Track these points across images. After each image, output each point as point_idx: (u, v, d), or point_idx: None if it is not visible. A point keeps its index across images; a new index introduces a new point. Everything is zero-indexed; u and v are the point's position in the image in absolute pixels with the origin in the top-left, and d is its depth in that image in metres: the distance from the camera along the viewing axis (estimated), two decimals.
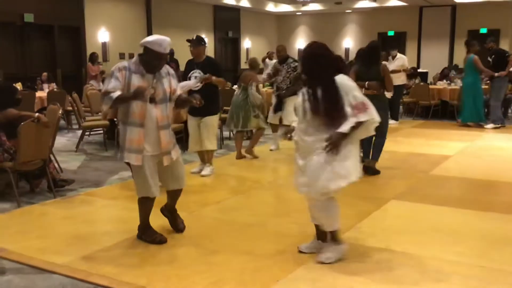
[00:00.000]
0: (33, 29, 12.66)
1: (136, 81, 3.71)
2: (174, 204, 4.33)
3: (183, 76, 6.32)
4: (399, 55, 11.34)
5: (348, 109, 3.35)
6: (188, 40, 6.16)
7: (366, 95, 5.83)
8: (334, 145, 3.35)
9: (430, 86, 12.35)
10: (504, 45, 17.36)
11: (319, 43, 3.61)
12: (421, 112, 12.30)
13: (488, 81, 11.69)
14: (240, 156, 7.39)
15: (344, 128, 3.34)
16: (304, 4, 19.93)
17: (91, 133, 9.14)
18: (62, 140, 8.97)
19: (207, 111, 6.00)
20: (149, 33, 15.74)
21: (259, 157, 7.47)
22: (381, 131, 6.14)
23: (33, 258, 3.82)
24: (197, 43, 6.09)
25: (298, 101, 3.56)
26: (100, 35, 14.27)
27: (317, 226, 3.79)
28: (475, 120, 10.55)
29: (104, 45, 14.36)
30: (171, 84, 3.90)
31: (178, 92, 4.01)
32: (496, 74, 10.29)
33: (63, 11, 13.04)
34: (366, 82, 5.97)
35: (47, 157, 5.49)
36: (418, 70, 15.31)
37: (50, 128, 5.43)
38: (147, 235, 4.12)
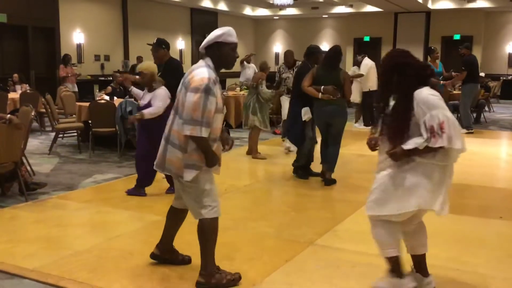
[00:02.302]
0: (6, 29, 12.42)
1: (219, 92, 3.19)
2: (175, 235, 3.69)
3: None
4: (366, 60, 11.16)
5: (423, 131, 2.85)
6: (149, 44, 5.99)
7: (322, 99, 5.90)
8: (394, 155, 2.94)
9: None
10: (476, 51, 17.69)
11: (402, 51, 3.09)
12: None
13: (460, 87, 11.93)
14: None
15: (408, 145, 2.88)
16: (281, 8, 20.02)
17: (65, 135, 8.99)
18: (35, 143, 8.81)
19: None
20: (125, 35, 15.60)
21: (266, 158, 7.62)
22: (336, 139, 6.05)
23: (3, 263, 3.72)
24: (157, 46, 5.88)
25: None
26: (75, 36, 14.07)
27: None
28: None
29: (79, 46, 14.16)
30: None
31: None
32: (441, 82, 10.53)
33: (37, 12, 12.82)
34: (322, 87, 5.78)
35: (19, 160, 5.37)
36: None
37: (22, 130, 5.32)
38: (219, 279, 3.32)
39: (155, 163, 3.39)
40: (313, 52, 6.43)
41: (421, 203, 2.92)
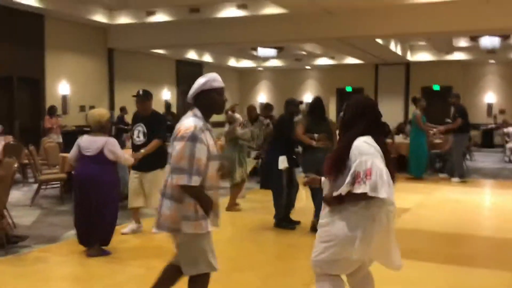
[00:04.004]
0: None
1: (211, 139, 3.18)
2: None
3: (130, 129, 6.24)
4: None
5: (348, 176, 2.83)
6: (134, 96, 6.02)
7: (314, 147, 6.03)
8: (326, 201, 3.00)
9: (388, 140, 12.70)
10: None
11: (368, 98, 3.21)
12: None
13: (441, 137, 12.14)
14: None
15: (336, 192, 2.88)
16: (265, 60, 20.47)
17: (47, 186, 8.89)
18: (17, 194, 8.68)
19: (151, 166, 5.80)
20: (111, 86, 15.74)
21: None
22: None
23: None
24: (144, 98, 5.96)
25: None
26: (61, 87, 14.15)
27: None
28: (417, 174, 10.79)
29: (64, 97, 14.22)
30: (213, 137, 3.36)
31: None
32: (433, 131, 10.74)
33: (23, 63, 12.91)
34: (315, 135, 6.02)
35: (0, 212, 5.28)
36: None
37: (5, 182, 5.26)
38: None
39: (155, 224, 3.24)
40: (288, 104, 6.64)
41: (350, 252, 2.86)
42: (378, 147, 2.88)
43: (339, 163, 2.90)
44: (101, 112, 5.43)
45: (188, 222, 3.09)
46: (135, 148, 5.95)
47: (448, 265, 4.96)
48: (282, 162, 6.22)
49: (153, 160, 5.79)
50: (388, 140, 11.93)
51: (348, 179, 2.79)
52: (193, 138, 3.04)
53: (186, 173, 3.01)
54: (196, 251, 3.15)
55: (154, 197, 5.84)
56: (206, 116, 3.22)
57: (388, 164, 2.89)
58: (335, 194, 2.88)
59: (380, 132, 3.04)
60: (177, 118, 11.30)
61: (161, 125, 6.08)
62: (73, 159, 5.28)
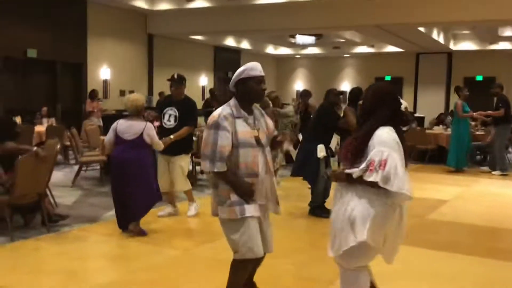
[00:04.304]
0: (36, 64, 12.81)
1: (241, 127, 3.21)
2: (253, 275, 3.55)
3: (158, 111, 6.21)
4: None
5: (363, 162, 2.82)
6: (169, 79, 6.05)
7: None
8: (335, 175, 2.99)
9: (427, 131, 12.47)
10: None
11: (388, 85, 3.12)
12: (417, 156, 12.35)
13: (483, 128, 11.82)
14: None
15: (352, 170, 2.84)
16: (303, 47, 20.31)
17: (88, 168, 9.12)
18: (59, 175, 8.94)
19: (177, 150, 5.86)
20: (150, 71, 15.95)
21: None
22: None
23: None
24: (179, 82, 5.99)
25: None
26: (102, 72, 14.44)
27: None
28: (456, 166, 10.53)
29: (105, 82, 14.51)
30: (268, 125, 3.44)
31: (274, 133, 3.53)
32: (475, 114, 10.43)
33: (66, 48, 13.23)
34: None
35: (43, 192, 5.46)
36: (415, 115, 15.47)
37: (48, 163, 5.43)
38: None
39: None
40: (329, 93, 6.64)
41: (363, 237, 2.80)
42: (398, 140, 2.85)
43: (358, 151, 2.87)
44: (137, 96, 5.52)
45: (222, 207, 3.19)
46: (165, 131, 5.91)
47: (486, 259, 4.85)
48: (321, 151, 6.21)
49: (180, 145, 5.85)
50: (404, 129, 11.63)
51: (363, 165, 2.79)
52: (216, 125, 3.14)
53: (209, 159, 3.13)
54: (234, 236, 3.20)
55: (179, 181, 5.99)
56: (244, 104, 3.28)
57: (403, 153, 2.87)
58: (348, 171, 2.85)
59: (399, 122, 2.98)
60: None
61: (193, 111, 6.12)
62: (110, 143, 5.40)
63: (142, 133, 5.26)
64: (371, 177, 2.74)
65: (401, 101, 10.51)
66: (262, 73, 3.32)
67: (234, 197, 3.16)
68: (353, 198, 2.87)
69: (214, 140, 3.12)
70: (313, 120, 6.79)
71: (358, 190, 2.85)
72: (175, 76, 6.02)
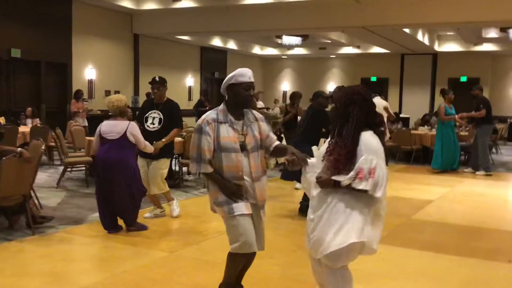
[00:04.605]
0: (20, 64, 12.67)
1: (224, 132, 3.34)
2: (243, 274, 3.65)
3: (139, 115, 6.12)
4: (377, 100, 11.17)
5: (352, 171, 2.90)
6: (150, 82, 5.99)
7: None
8: (321, 182, 3.00)
9: (412, 131, 12.56)
10: (483, 93, 17.83)
11: (360, 87, 3.13)
12: (402, 156, 12.45)
13: (467, 129, 11.94)
14: None
15: (340, 178, 2.91)
16: (289, 48, 20.35)
17: (73, 169, 9.04)
18: (43, 176, 8.86)
19: (159, 154, 5.75)
20: (136, 71, 15.86)
21: None
22: None
23: None
24: (161, 84, 5.93)
25: (322, 149, 3.18)
26: (87, 72, 14.32)
27: None
28: (438, 167, 10.63)
29: (90, 82, 14.39)
30: (261, 129, 3.49)
31: (271, 137, 3.59)
32: (456, 117, 10.56)
33: (50, 48, 13.09)
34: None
35: (27, 193, 5.40)
36: (400, 116, 15.59)
37: (32, 164, 5.37)
38: None
39: None
40: (318, 96, 6.67)
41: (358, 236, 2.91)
42: (381, 144, 2.96)
43: (347, 160, 2.91)
44: (118, 97, 5.54)
45: (214, 205, 3.44)
46: (149, 134, 5.76)
47: (470, 259, 4.91)
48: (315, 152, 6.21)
49: (161, 149, 5.79)
50: (388, 136, 11.69)
51: (352, 173, 2.87)
52: (199, 130, 3.37)
53: (195, 161, 3.36)
54: (229, 232, 3.40)
55: (156, 184, 5.88)
56: (232, 109, 3.41)
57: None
58: (335, 178, 2.91)
59: (375, 124, 3.04)
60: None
61: (178, 113, 6.10)
62: (96, 145, 5.42)
63: (125, 132, 5.24)
64: (360, 185, 2.85)
65: (381, 100, 10.66)
66: (251, 79, 3.45)
67: (221, 197, 3.36)
68: (334, 202, 2.95)
69: (198, 143, 3.35)
70: (306, 123, 6.59)
71: (338, 194, 2.95)
72: (157, 79, 5.97)
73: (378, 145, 2.95)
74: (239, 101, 3.41)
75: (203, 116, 3.41)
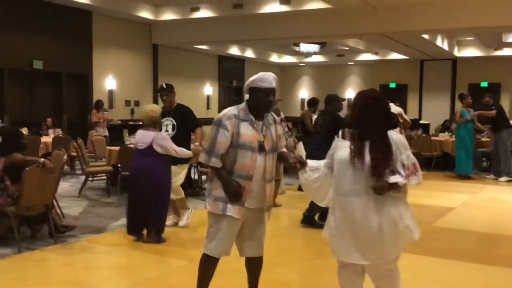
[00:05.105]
0: (41, 75, 12.91)
1: (245, 129, 3.32)
2: (257, 281, 3.68)
3: None
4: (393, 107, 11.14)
5: (399, 169, 2.97)
6: (158, 90, 6.08)
7: None
8: (382, 189, 2.92)
9: (432, 138, 12.46)
10: (504, 98, 17.62)
11: (374, 90, 3.19)
12: (423, 163, 12.34)
13: (488, 135, 11.81)
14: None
15: (395, 179, 2.93)
16: (307, 56, 20.36)
17: (94, 178, 9.17)
18: (65, 186, 8.99)
19: (175, 160, 5.75)
20: (155, 81, 16.03)
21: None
22: None
23: None
24: (169, 90, 6.01)
25: (341, 156, 3.11)
26: (107, 82, 14.52)
27: None
28: (462, 172, 10.53)
29: (110, 92, 14.59)
30: (277, 131, 3.51)
31: (282, 142, 3.59)
32: (469, 117, 10.44)
33: (72, 59, 13.32)
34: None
35: (50, 203, 5.50)
36: (420, 122, 15.46)
37: (55, 174, 5.46)
38: None
39: None
40: (332, 100, 6.65)
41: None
42: None
43: (391, 162, 2.95)
44: (153, 108, 5.63)
45: (208, 199, 3.40)
46: None
47: (489, 266, 4.84)
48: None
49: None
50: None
51: (403, 172, 2.95)
52: (218, 123, 3.31)
53: (206, 152, 3.32)
54: (210, 230, 3.40)
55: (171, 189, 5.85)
56: (253, 109, 3.39)
57: None
58: (392, 181, 2.91)
59: (392, 124, 3.09)
60: None
61: (191, 114, 6.12)
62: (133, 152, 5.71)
63: (151, 143, 5.34)
64: (415, 181, 3.01)
65: (395, 107, 10.56)
66: (272, 85, 3.38)
67: (221, 194, 3.32)
68: (381, 205, 2.97)
69: (214, 136, 3.29)
70: (325, 128, 6.47)
71: (378, 196, 2.95)
72: (164, 86, 6.07)
73: (405, 140, 3.09)
74: (258, 105, 3.38)
75: (224, 111, 3.38)
